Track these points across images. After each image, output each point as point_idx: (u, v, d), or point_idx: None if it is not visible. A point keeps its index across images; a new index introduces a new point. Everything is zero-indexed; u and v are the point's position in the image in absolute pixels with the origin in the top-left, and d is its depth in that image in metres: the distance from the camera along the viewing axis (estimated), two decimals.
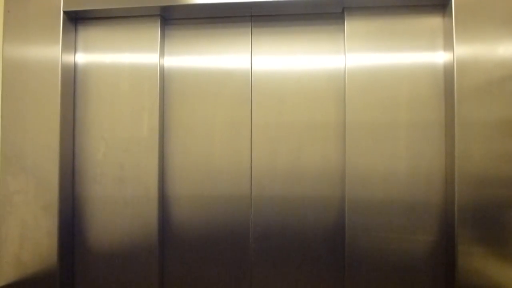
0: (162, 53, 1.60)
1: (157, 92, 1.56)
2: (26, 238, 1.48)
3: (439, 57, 1.46)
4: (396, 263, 1.46)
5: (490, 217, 1.33)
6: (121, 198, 1.56)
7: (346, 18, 1.51)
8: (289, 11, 1.56)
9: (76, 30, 1.61)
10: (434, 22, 1.47)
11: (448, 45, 1.41)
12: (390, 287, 1.45)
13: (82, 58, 1.62)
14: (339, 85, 1.53)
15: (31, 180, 1.48)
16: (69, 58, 1.57)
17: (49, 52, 1.51)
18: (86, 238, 1.58)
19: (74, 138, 1.58)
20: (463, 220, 1.33)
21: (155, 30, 1.58)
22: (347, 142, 1.47)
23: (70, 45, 1.58)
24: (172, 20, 1.62)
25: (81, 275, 1.58)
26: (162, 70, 1.59)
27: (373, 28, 1.50)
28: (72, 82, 1.59)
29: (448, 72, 1.42)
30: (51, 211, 1.47)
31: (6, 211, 1.50)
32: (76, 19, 1.61)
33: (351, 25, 1.51)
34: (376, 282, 1.46)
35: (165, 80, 1.61)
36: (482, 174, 1.33)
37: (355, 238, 1.46)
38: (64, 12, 1.53)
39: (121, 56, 1.60)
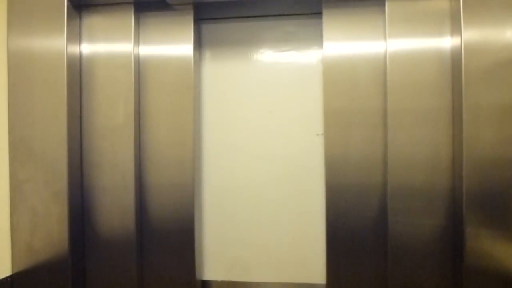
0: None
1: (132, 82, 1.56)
2: (37, 225, 1.50)
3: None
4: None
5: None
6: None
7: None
8: None
9: (80, 17, 1.60)
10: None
11: (456, 29, 1.39)
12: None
13: (86, 46, 1.60)
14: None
15: (40, 168, 1.49)
16: (74, 46, 1.56)
17: (54, 40, 1.50)
18: (94, 225, 1.59)
19: (82, 126, 1.58)
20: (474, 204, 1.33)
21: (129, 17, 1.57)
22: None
23: (75, 33, 1.57)
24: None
25: (91, 261, 1.60)
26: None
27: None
28: (78, 70, 1.58)
29: (455, 56, 1.40)
30: (61, 198, 1.48)
31: (17, 199, 1.51)
32: (80, 7, 1.59)
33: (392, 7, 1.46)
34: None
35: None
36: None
37: (397, 223, 1.45)
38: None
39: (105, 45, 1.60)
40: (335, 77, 1.51)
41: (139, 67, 1.61)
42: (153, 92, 1.60)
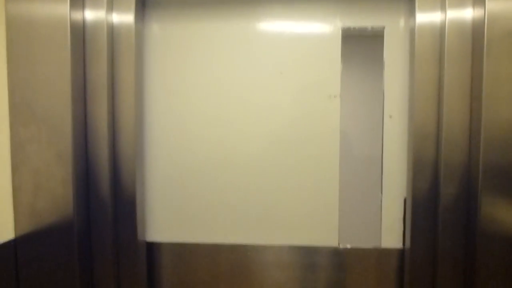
0: None
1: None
2: (41, 187, 1.45)
3: None
4: None
5: None
6: None
7: None
8: None
9: None
10: None
11: None
12: None
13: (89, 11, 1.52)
14: None
15: (43, 128, 1.43)
16: (77, 8, 1.48)
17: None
18: (96, 187, 1.55)
19: (85, 85, 1.52)
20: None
21: None
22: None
23: None
24: None
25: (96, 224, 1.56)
26: None
27: None
28: (81, 27, 1.50)
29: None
30: (65, 158, 1.43)
31: (19, 160, 1.45)
32: None
33: None
34: None
35: None
36: None
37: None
38: None
39: None
40: (428, 47, 1.42)
41: (113, 34, 1.54)
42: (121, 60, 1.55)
